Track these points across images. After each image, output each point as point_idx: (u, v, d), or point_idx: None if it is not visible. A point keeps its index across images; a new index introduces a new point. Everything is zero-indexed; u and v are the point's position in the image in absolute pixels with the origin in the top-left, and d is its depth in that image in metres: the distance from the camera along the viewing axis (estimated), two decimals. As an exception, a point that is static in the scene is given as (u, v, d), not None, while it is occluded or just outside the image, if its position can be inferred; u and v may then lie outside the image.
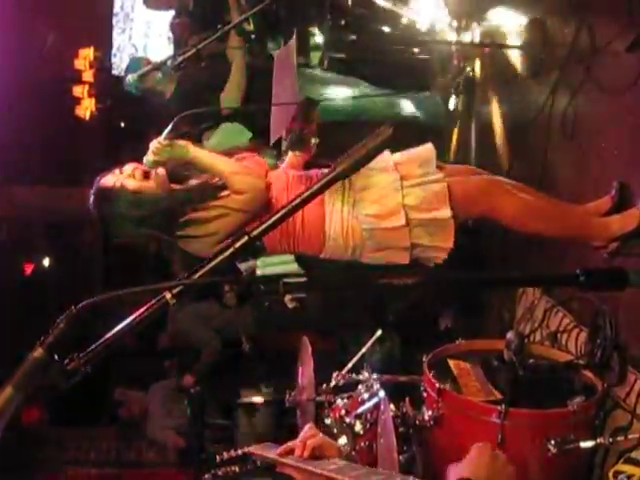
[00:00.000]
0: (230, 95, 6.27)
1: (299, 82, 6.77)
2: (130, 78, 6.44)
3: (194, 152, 3.98)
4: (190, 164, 4.04)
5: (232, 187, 3.86)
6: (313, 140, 4.26)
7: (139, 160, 4.00)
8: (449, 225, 3.89)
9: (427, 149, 4.08)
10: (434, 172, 3.98)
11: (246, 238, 1.78)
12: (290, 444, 2.54)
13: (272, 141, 4.98)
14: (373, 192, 3.90)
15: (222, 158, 4.04)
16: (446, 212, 3.86)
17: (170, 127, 4.01)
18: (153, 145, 3.93)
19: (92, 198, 3.97)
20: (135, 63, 6.72)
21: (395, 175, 3.95)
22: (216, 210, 3.87)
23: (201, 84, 6.35)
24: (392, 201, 3.88)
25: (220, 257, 1.77)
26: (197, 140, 6.03)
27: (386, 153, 4.01)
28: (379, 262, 3.99)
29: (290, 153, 4.27)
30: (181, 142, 3.98)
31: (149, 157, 3.96)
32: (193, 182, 4.06)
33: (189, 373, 8.26)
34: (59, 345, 1.69)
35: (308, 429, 2.60)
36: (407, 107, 7.05)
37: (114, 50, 10.42)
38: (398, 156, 4.05)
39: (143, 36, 10.55)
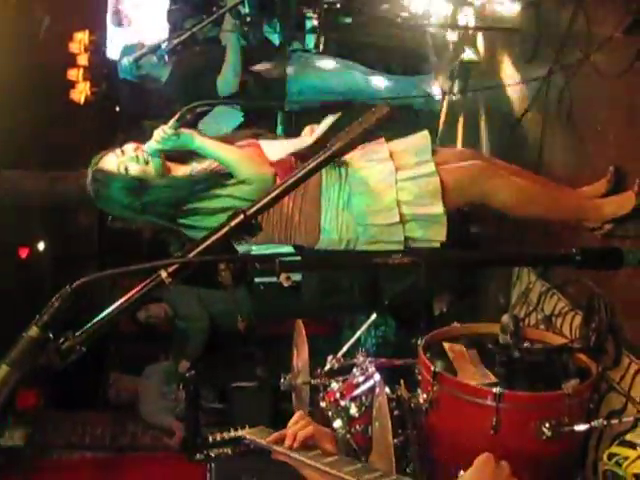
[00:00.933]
0: (226, 79, 6.24)
1: (294, 67, 6.78)
2: (125, 61, 6.41)
3: (200, 141, 3.95)
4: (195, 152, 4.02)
5: (239, 176, 3.85)
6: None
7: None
8: (442, 220, 3.90)
9: (422, 136, 4.10)
10: (429, 160, 3.98)
11: (242, 216, 1.77)
12: (281, 433, 2.54)
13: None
14: (368, 187, 3.91)
15: (227, 146, 4.02)
16: (439, 208, 3.88)
17: (178, 116, 3.95)
18: (158, 133, 3.90)
19: (91, 178, 3.93)
20: (129, 48, 6.69)
21: (390, 167, 3.95)
22: (220, 201, 3.85)
23: (197, 69, 6.32)
24: (386, 197, 3.89)
25: (215, 235, 1.77)
26: (193, 125, 6.02)
27: (382, 142, 4.02)
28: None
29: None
30: (186, 131, 3.96)
31: (152, 144, 3.93)
32: (197, 168, 4.03)
33: (184, 358, 8.26)
34: (54, 323, 1.69)
35: (298, 418, 2.58)
36: (403, 91, 7.04)
37: (109, 35, 10.36)
38: (393, 144, 4.05)
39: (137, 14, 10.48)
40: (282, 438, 2.52)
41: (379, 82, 7.01)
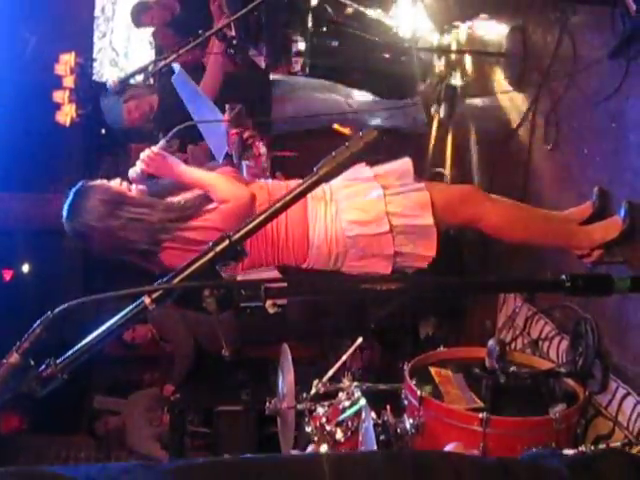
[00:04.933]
0: None
1: (283, 90, 6.78)
2: (110, 82, 6.39)
3: (183, 167, 3.93)
4: (175, 180, 3.99)
5: (217, 196, 3.82)
6: (257, 141, 4.26)
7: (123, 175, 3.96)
8: (431, 233, 3.86)
9: (405, 162, 4.08)
10: (413, 183, 3.98)
11: (227, 242, 1.76)
12: None
13: (220, 160, 4.93)
14: (356, 201, 3.88)
15: (207, 172, 4.01)
16: (428, 219, 3.84)
17: (168, 137, 3.96)
18: (145, 154, 3.89)
19: (70, 196, 3.84)
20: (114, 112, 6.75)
21: (376, 185, 3.93)
22: (199, 233, 3.81)
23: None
24: (375, 208, 3.86)
25: (200, 261, 1.75)
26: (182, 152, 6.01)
27: (364, 165, 4.00)
28: (360, 272, 3.95)
29: (243, 164, 4.25)
30: (173, 157, 3.95)
31: (137, 166, 3.91)
32: (175, 199, 3.99)
33: (169, 382, 8.21)
34: (35, 351, 1.66)
35: None
36: (388, 118, 7.05)
37: (95, 54, 10.36)
38: (376, 169, 4.03)
39: (124, 40, 10.50)
40: None
41: (363, 103, 7.03)
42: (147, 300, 1.71)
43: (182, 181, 3.94)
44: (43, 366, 1.68)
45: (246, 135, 4.33)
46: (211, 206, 3.82)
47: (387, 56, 7.16)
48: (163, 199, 3.90)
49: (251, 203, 3.84)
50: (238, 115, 4.48)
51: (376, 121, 6.96)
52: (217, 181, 3.90)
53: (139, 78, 6.26)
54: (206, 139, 5.14)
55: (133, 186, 3.90)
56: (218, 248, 1.75)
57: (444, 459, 1.98)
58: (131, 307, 1.73)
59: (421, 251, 3.87)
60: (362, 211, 3.86)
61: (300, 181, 1.87)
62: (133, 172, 3.93)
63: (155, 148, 3.91)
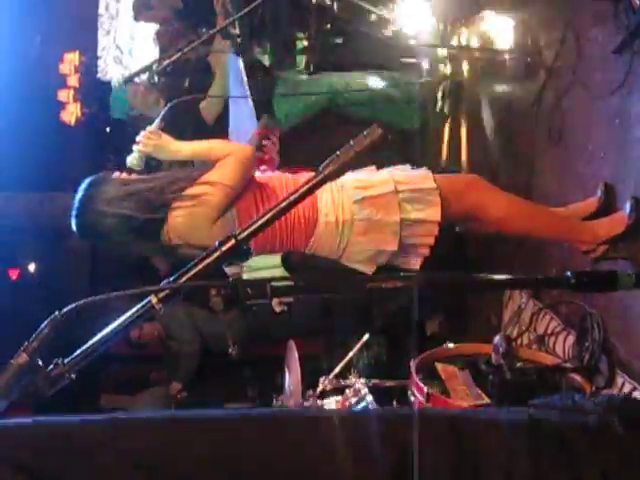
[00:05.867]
0: (212, 102, 6.25)
1: (285, 89, 6.77)
2: (115, 82, 6.40)
3: (177, 144, 3.96)
4: (172, 157, 4.04)
5: (219, 155, 3.82)
6: (267, 142, 4.28)
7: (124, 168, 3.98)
8: (435, 197, 3.85)
9: (405, 167, 4.11)
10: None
11: (233, 241, 1.76)
12: None
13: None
14: (361, 174, 3.91)
15: (201, 141, 4.04)
16: (431, 183, 3.86)
17: (161, 116, 3.99)
18: (142, 134, 3.92)
19: (80, 195, 3.86)
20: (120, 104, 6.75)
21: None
22: (206, 187, 3.80)
23: (188, 100, 6.30)
24: (381, 175, 3.90)
25: (206, 261, 1.76)
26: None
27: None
28: (367, 251, 3.93)
29: None
30: (166, 135, 3.97)
31: (135, 150, 3.94)
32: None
33: (175, 380, 8.22)
34: (43, 350, 1.67)
35: None
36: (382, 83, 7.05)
37: (99, 52, 10.36)
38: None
39: (128, 38, 10.48)
40: None
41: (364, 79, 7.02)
42: (154, 300, 1.71)
43: (180, 157, 3.99)
44: (51, 366, 1.69)
45: (267, 142, 4.35)
46: (211, 166, 3.85)
47: (392, 52, 7.15)
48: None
49: (252, 156, 3.88)
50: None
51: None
52: (214, 144, 3.94)
53: (144, 77, 6.27)
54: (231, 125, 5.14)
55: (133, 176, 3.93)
56: (224, 247, 1.75)
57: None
58: (138, 307, 1.73)
59: (426, 216, 3.85)
60: (367, 179, 3.89)
61: (307, 177, 1.88)
62: (132, 158, 3.96)
63: (151, 127, 3.94)
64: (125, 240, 3.86)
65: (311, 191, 1.83)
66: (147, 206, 3.77)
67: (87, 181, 3.85)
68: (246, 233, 1.77)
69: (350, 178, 3.89)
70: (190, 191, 3.76)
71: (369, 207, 3.83)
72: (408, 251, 3.94)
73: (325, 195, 3.86)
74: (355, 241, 3.89)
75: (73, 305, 1.67)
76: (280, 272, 4.14)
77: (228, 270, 1.82)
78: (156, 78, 6.07)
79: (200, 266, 1.75)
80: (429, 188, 3.86)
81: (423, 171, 3.97)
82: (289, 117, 6.63)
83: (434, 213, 3.86)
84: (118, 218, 3.76)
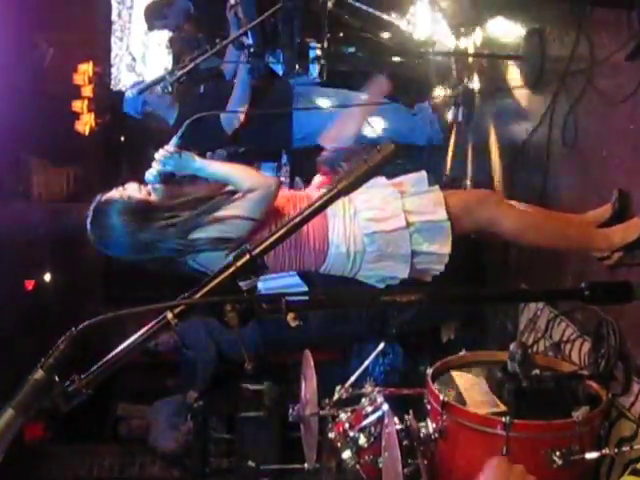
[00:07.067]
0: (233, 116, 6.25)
1: (295, 101, 6.77)
2: (130, 94, 6.43)
3: (200, 161, 3.93)
4: (193, 176, 3.99)
5: (243, 185, 3.81)
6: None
7: (139, 178, 3.95)
8: (446, 228, 3.89)
9: (420, 173, 4.11)
10: (427, 187, 4.02)
11: (248, 257, 1.77)
12: None
13: None
14: (373, 201, 3.92)
15: (225, 163, 4.04)
16: (442, 214, 3.88)
17: (179, 133, 3.95)
18: (160, 153, 3.88)
19: (91, 213, 3.84)
20: (137, 84, 6.73)
21: (392, 189, 3.97)
22: (229, 223, 3.81)
23: (203, 106, 6.29)
24: (392, 206, 3.90)
25: (221, 276, 1.76)
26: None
27: (380, 177, 4.03)
28: (378, 276, 3.97)
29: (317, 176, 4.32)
30: (187, 152, 3.94)
31: (153, 168, 3.91)
32: (200, 192, 3.99)
33: (192, 389, 8.24)
34: (59, 366, 1.67)
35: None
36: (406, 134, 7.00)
37: (112, 59, 10.38)
38: (392, 180, 4.07)
39: (141, 45, 10.48)
40: None
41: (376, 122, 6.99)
42: (169, 315, 1.72)
43: (202, 174, 3.95)
44: (68, 382, 1.70)
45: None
46: (237, 196, 3.83)
47: (403, 61, 7.16)
48: (186, 196, 3.92)
49: (277, 190, 3.87)
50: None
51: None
52: (240, 171, 3.91)
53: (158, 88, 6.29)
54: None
55: (150, 187, 3.91)
56: (239, 263, 1.76)
57: None
58: (154, 322, 1.74)
59: (436, 248, 3.90)
60: (379, 210, 3.90)
61: (321, 192, 1.89)
62: (150, 174, 3.92)
63: (169, 147, 3.91)
64: (143, 259, 3.88)
65: (326, 205, 1.84)
66: (175, 239, 3.79)
67: (98, 206, 3.83)
68: (261, 248, 1.78)
69: (362, 207, 3.91)
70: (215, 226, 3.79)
71: (380, 240, 3.87)
72: (420, 271, 3.99)
73: (337, 225, 3.89)
74: (366, 268, 3.97)
75: (88, 322, 1.68)
76: (296, 281, 4.15)
77: (243, 285, 1.83)
78: (170, 88, 6.07)
79: (215, 282, 1.76)
80: (440, 220, 3.89)
81: (434, 195, 3.98)
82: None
83: (445, 246, 3.91)
84: (141, 249, 3.79)
